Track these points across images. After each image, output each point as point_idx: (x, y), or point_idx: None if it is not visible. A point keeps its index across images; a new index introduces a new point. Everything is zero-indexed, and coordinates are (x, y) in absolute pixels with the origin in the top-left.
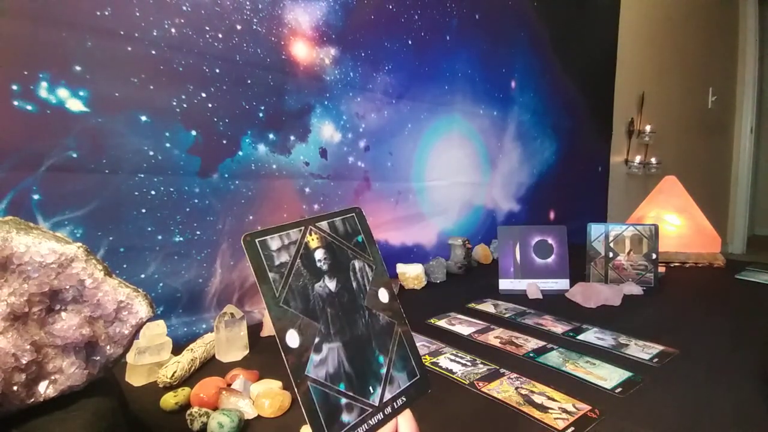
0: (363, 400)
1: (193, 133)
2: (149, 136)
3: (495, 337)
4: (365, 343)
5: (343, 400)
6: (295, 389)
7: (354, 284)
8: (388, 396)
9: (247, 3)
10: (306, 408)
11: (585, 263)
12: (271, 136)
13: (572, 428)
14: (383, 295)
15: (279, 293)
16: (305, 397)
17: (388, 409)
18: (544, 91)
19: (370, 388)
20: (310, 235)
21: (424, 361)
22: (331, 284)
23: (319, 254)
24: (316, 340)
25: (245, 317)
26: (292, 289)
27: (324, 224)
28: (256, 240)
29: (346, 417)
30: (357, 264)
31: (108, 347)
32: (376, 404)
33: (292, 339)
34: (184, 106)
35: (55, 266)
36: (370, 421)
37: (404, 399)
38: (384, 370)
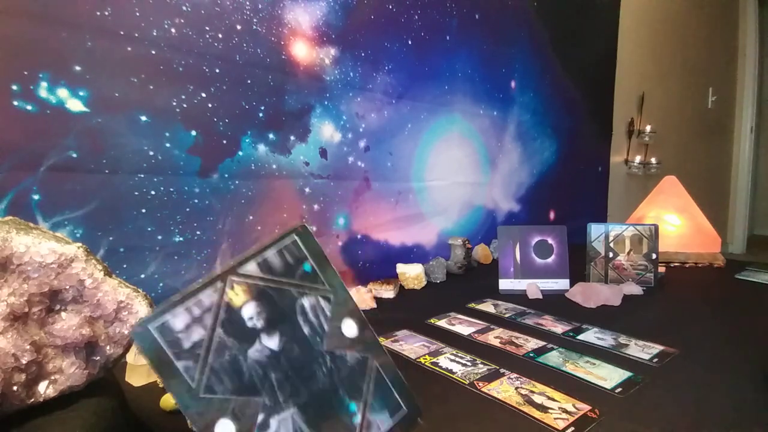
0: None
1: (193, 133)
2: (149, 136)
3: (495, 337)
4: (330, 396)
5: None
6: None
7: (306, 329)
8: None
9: (247, 3)
10: None
11: (585, 263)
12: (271, 136)
13: (572, 428)
14: (348, 328)
15: (197, 383)
16: None
17: None
18: (544, 91)
19: None
20: (232, 289)
21: (423, 361)
22: (272, 342)
23: (248, 310)
24: (261, 417)
25: None
26: (215, 369)
27: (251, 267)
28: (152, 326)
29: None
30: (307, 302)
31: (108, 347)
32: None
33: (226, 429)
34: (184, 106)
35: (55, 266)
36: None
37: None
38: (357, 419)
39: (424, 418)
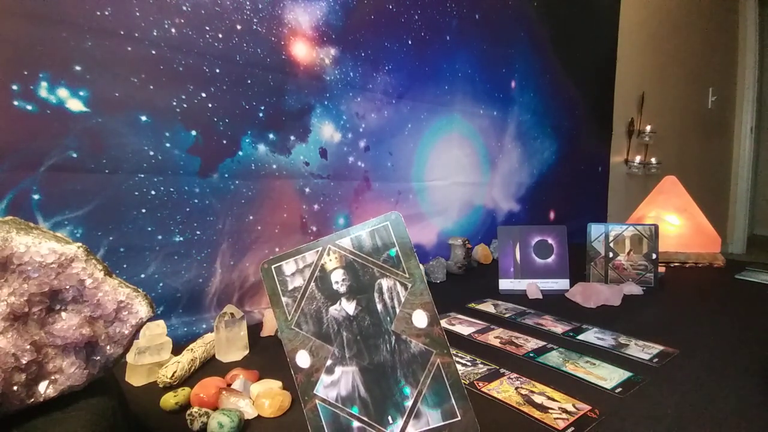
0: (379, 428)
1: (193, 133)
2: (149, 136)
3: (495, 337)
4: (387, 371)
5: (355, 424)
6: (303, 407)
7: (379, 306)
8: (411, 431)
9: (247, 3)
10: (312, 425)
11: (585, 263)
12: (271, 136)
13: (572, 428)
14: (419, 319)
15: (291, 316)
16: (312, 414)
17: None
18: (544, 91)
19: (389, 417)
20: (329, 255)
21: None
22: (349, 307)
23: (337, 275)
24: (329, 362)
25: (245, 317)
26: (304, 312)
27: (346, 241)
28: (272, 266)
29: None
30: (385, 283)
31: (108, 347)
32: None
33: (303, 359)
34: (184, 106)
35: (55, 266)
36: None
37: None
38: (409, 403)
39: None
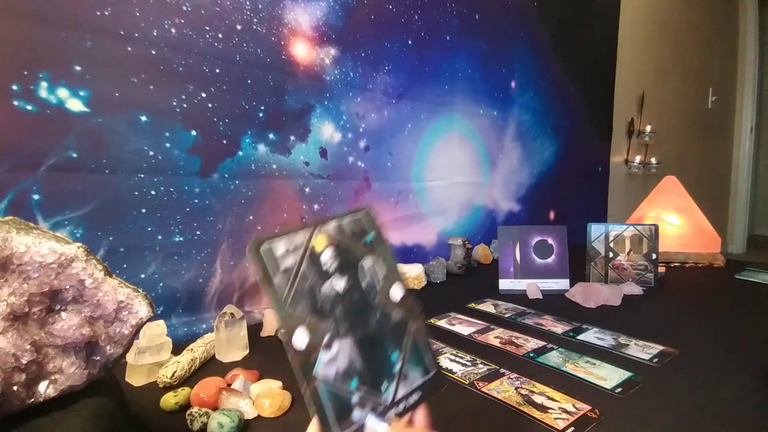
0: (375, 396)
1: (193, 133)
2: (149, 136)
3: (495, 337)
4: (378, 340)
5: (355, 397)
6: (302, 389)
7: (364, 283)
8: (401, 392)
9: (247, 3)
10: (313, 408)
11: (585, 263)
12: (271, 136)
13: (572, 428)
14: (396, 292)
15: (285, 297)
16: (313, 396)
17: (402, 406)
18: (544, 91)
19: (384, 384)
20: (317, 237)
21: None
22: (340, 284)
23: (326, 255)
24: (326, 338)
25: (245, 317)
26: (298, 291)
27: (331, 226)
28: (261, 246)
29: (357, 413)
30: (367, 263)
31: (108, 347)
32: (389, 401)
33: (300, 339)
34: (184, 106)
35: (55, 266)
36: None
37: (418, 395)
38: (397, 368)
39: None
